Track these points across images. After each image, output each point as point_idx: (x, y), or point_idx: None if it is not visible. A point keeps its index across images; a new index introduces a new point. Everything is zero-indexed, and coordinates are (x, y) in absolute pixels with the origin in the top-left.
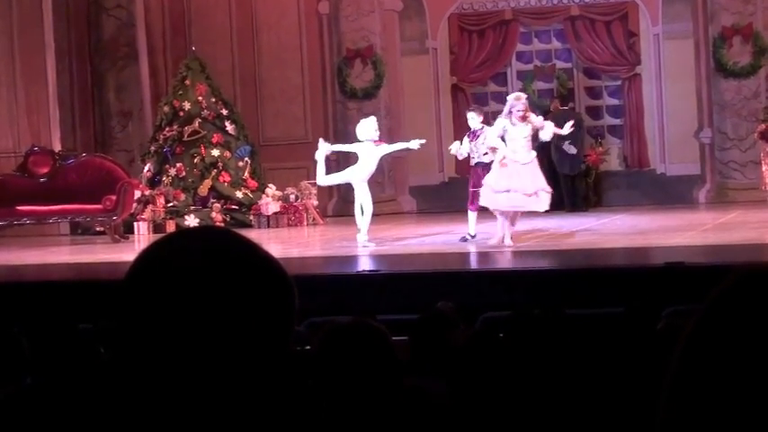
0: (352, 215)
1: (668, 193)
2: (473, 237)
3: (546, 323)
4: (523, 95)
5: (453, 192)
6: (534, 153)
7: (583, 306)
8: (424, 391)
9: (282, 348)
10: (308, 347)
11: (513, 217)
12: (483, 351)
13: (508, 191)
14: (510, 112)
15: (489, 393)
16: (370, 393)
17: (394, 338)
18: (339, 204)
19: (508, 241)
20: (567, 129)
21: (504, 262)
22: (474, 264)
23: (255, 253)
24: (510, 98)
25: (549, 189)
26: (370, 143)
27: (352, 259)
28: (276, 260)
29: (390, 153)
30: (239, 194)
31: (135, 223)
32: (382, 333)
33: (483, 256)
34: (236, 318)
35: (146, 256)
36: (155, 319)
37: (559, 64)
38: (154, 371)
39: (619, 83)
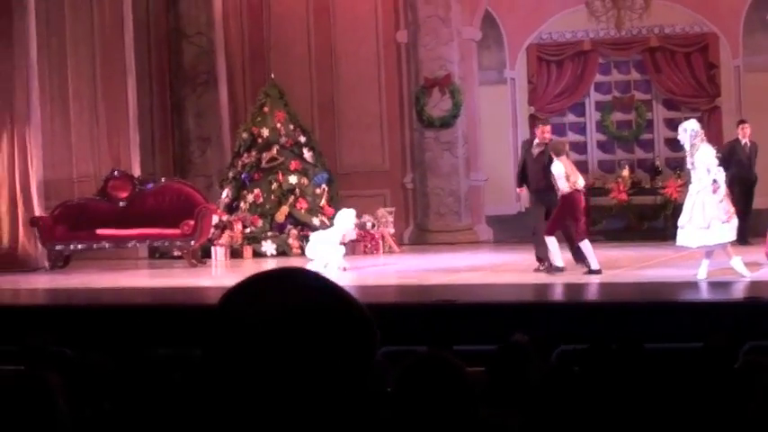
0: (429, 243)
1: (750, 227)
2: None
3: (623, 357)
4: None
5: (530, 221)
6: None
7: (661, 340)
8: (501, 425)
9: (360, 386)
10: (386, 389)
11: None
12: (560, 386)
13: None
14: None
15: (566, 428)
16: (446, 428)
17: (469, 369)
18: (415, 233)
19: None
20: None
21: (581, 294)
22: (550, 295)
23: (339, 296)
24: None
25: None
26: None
27: (428, 289)
28: (358, 303)
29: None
30: (316, 221)
31: (212, 248)
32: (459, 368)
33: (559, 287)
34: (318, 358)
35: (234, 294)
36: (239, 356)
37: (638, 95)
38: (233, 404)
39: (698, 115)
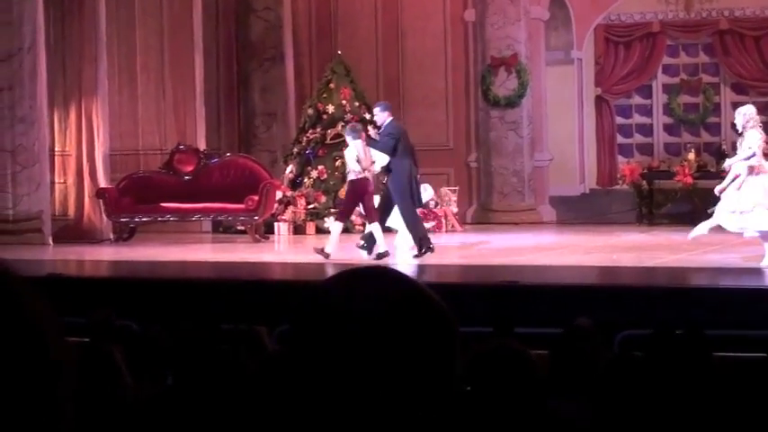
0: (492, 223)
1: None
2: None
3: (688, 344)
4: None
5: (594, 203)
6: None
7: (725, 327)
8: (566, 417)
9: (443, 387)
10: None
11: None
12: (625, 375)
13: None
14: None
15: (631, 417)
16: (515, 419)
17: (532, 351)
18: (478, 212)
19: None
20: None
21: (645, 278)
22: (614, 279)
23: (424, 297)
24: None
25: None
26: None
27: (491, 269)
28: (441, 303)
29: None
30: (378, 199)
31: (275, 224)
32: (527, 358)
33: (622, 271)
34: (401, 359)
35: (326, 289)
36: (321, 353)
37: (706, 78)
38: (308, 392)
39: (767, 99)
